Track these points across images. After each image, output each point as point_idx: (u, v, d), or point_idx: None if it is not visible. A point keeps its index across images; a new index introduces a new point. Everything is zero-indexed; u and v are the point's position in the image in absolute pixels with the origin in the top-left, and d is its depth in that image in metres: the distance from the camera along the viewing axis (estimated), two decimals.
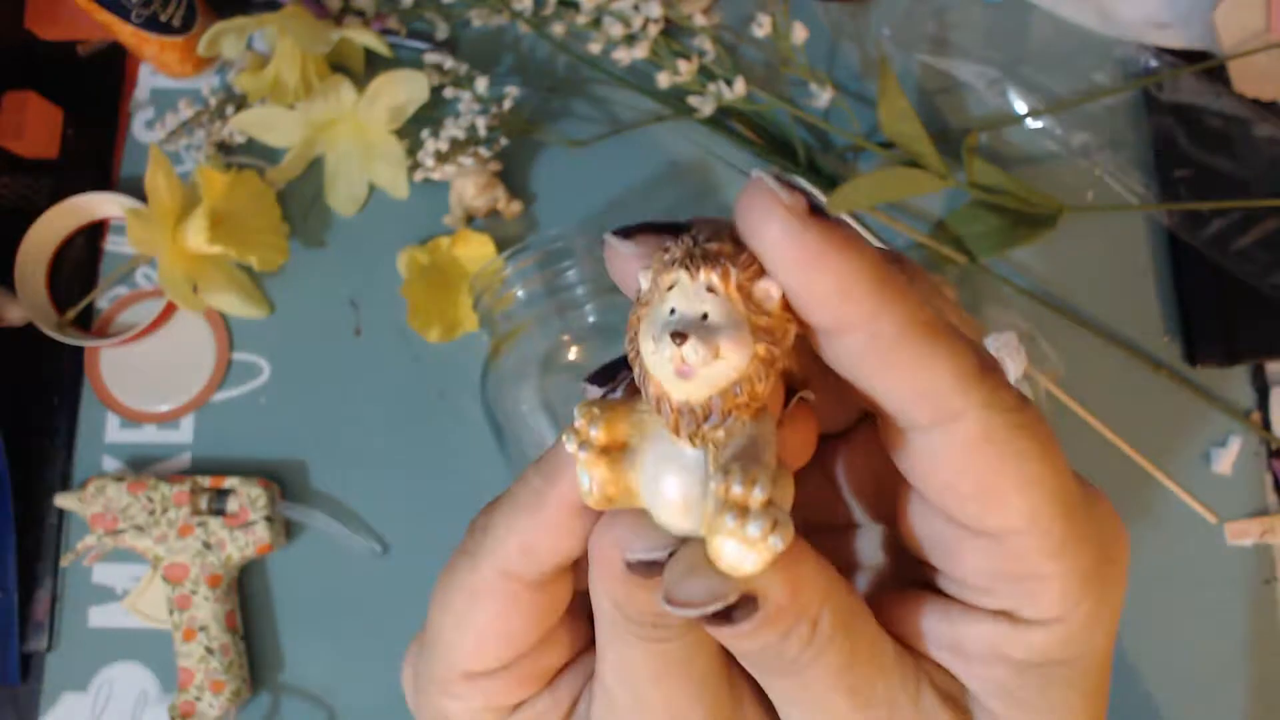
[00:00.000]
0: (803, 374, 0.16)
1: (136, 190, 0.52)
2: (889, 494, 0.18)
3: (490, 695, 0.19)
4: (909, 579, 0.18)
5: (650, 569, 0.16)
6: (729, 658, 0.18)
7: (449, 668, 0.19)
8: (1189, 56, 0.53)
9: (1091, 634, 0.17)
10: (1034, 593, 0.16)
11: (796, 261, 0.15)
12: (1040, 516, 0.16)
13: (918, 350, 0.15)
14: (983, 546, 0.16)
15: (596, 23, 0.52)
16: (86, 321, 0.54)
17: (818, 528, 0.20)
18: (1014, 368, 0.47)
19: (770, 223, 0.15)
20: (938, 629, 0.17)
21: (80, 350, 0.53)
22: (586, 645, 0.20)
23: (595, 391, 0.17)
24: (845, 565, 0.20)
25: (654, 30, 0.51)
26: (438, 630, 0.19)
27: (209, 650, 0.47)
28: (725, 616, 0.15)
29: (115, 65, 0.57)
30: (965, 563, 0.17)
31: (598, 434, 0.16)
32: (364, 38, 0.52)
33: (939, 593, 0.18)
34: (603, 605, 0.17)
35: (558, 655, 0.19)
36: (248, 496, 0.48)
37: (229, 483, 0.49)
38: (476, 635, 0.19)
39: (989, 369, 0.15)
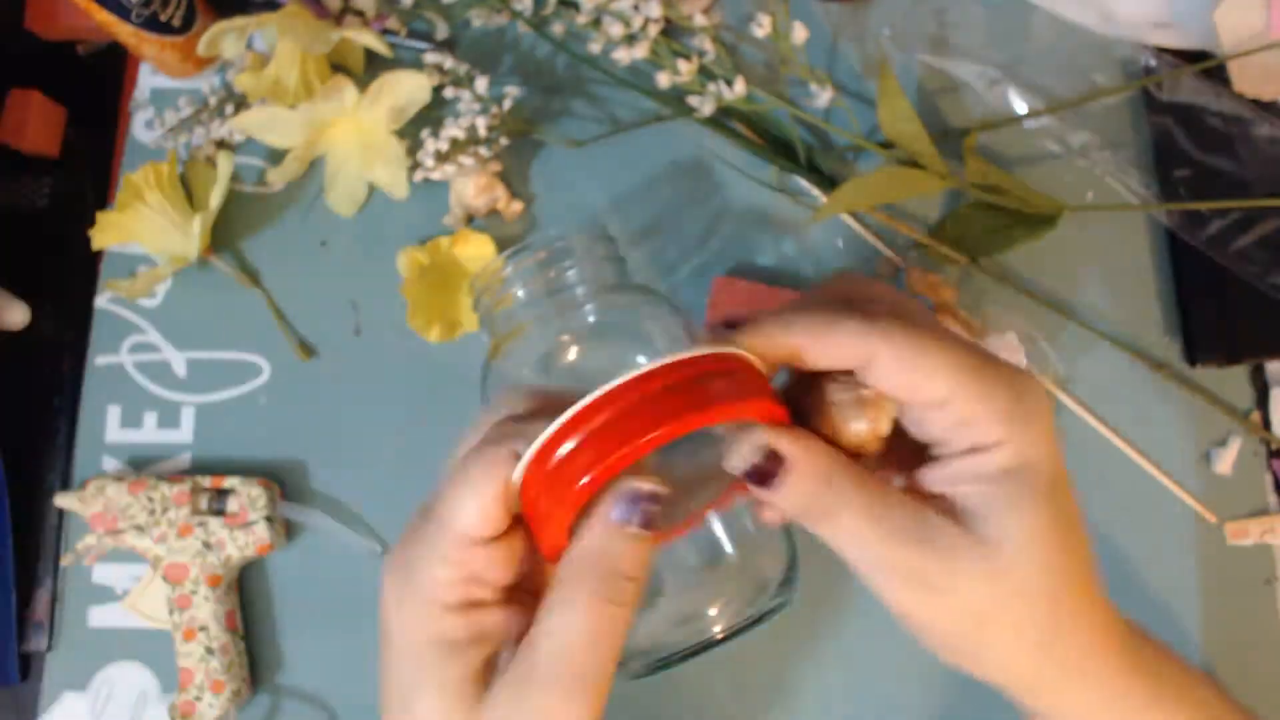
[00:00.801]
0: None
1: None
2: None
3: (476, 564, 0.25)
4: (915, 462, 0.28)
5: (640, 512, 0.24)
6: None
7: (450, 531, 0.25)
8: (1189, 56, 0.53)
9: (1030, 447, 0.26)
10: (975, 430, 0.26)
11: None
12: (957, 383, 0.26)
13: (830, 336, 0.26)
14: (937, 413, 0.26)
15: (596, 23, 0.52)
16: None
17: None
18: None
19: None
20: (936, 474, 0.27)
21: (81, 349, 0.53)
22: (521, 626, 0.26)
23: None
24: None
25: (654, 30, 0.51)
26: (447, 499, 0.25)
27: (209, 650, 0.47)
28: (766, 478, 0.26)
29: (115, 65, 0.58)
30: (933, 427, 0.27)
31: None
32: (364, 38, 0.52)
33: (932, 461, 0.27)
34: (575, 560, 0.24)
35: (514, 571, 0.26)
36: (248, 496, 0.48)
37: (229, 483, 0.49)
38: (476, 503, 0.25)
39: (874, 319, 0.26)
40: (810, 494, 0.26)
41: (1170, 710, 0.27)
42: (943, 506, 0.26)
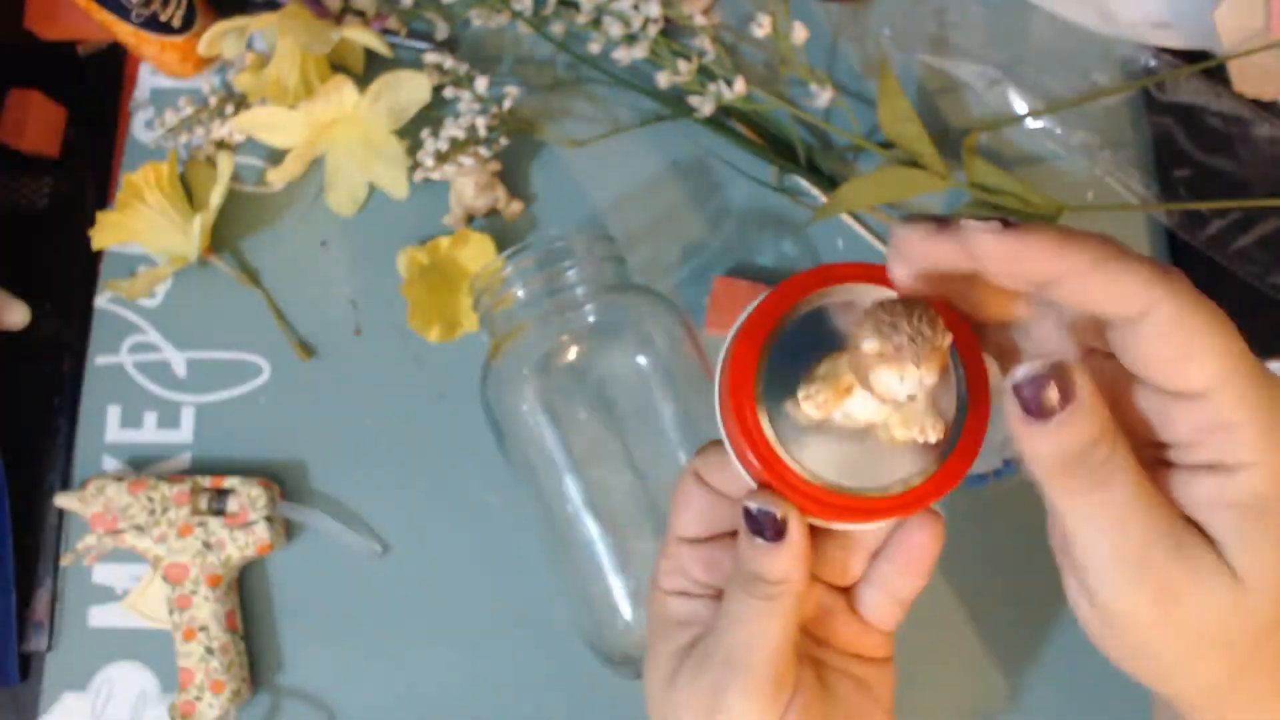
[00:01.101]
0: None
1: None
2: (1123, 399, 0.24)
3: (684, 560, 0.29)
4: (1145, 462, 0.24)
5: (761, 523, 0.25)
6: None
7: (670, 536, 0.29)
8: (1189, 56, 0.53)
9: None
10: (1231, 440, 0.21)
11: (1011, 264, 0.22)
12: (1227, 377, 0.21)
13: (1113, 268, 0.21)
14: (1189, 407, 0.22)
15: (596, 23, 0.52)
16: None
17: None
18: None
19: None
20: (1175, 489, 0.23)
21: (81, 349, 0.53)
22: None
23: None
24: None
25: (654, 30, 0.51)
26: (670, 519, 0.29)
27: (209, 650, 0.47)
28: (1044, 406, 0.22)
29: (115, 65, 0.58)
30: (1178, 424, 0.22)
31: (826, 394, 0.25)
32: (364, 38, 0.52)
33: (1166, 466, 0.23)
34: (735, 566, 0.27)
35: (720, 575, 0.28)
36: (248, 496, 0.48)
37: (229, 483, 0.49)
38: (686, 514, 0.29)
39: (1167, 271, 0.21)
40: (1088, 442, 0.22)
41: None
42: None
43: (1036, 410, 0.22)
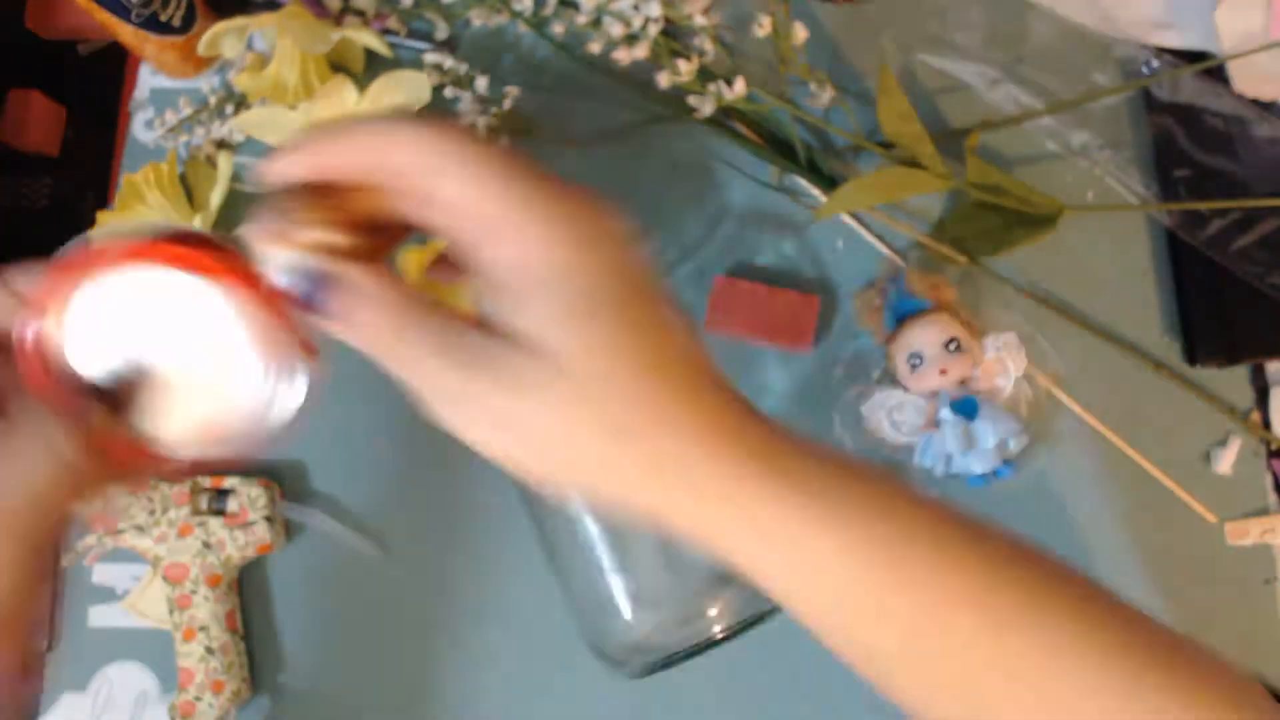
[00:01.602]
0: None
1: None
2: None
3: None
4: None
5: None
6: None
7: None
8: (1189, 56, 0.53)
9: (554, 245, 0.24)
10: (484, 226, 0.24)
11: None
12: (471, 175, 0.24)
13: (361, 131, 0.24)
14: (463, 221, 0.24)
15: (596, 23, 0.52)
16: None
17: None
18: (1014, 367, 0.47)
19: None
20: (488, 304, 0.25)
21: None
22: None
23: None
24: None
25: (654, 30, 0.51)
26: None
27: (209, 650, 0.47)
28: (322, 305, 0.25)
29: (115, 65, 0.58)
30: (462, 234, 0.25)
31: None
32: (364, 38, 0.52)
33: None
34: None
35: None
36: (248, 496, 0.48)
37: (229, 483, 0.49)
38: None
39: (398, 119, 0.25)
40: (388, 331, 0.25)
41: (815, 512, 0.25)
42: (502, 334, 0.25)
43: (320, 307, 0.25)
